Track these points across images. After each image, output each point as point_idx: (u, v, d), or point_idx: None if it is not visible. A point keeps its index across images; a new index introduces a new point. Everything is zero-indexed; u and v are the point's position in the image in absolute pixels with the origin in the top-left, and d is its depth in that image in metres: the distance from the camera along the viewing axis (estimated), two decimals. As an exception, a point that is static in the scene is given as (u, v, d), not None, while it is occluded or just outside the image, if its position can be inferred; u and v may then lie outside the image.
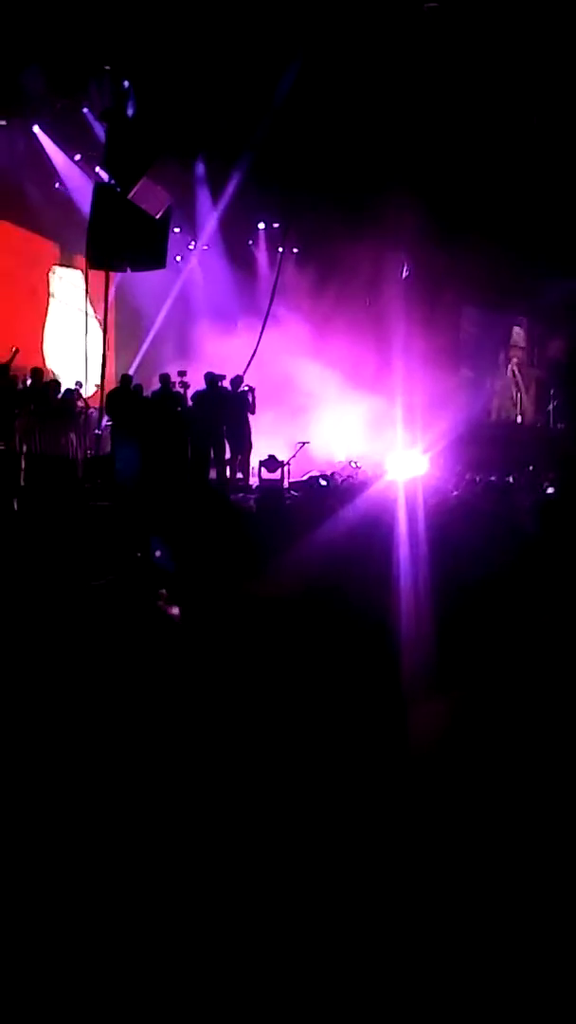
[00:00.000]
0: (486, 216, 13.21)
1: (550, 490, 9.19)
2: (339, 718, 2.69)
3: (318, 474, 9.05)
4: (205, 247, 14.49)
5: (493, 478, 11.45)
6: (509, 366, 18.36)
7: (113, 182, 9.89)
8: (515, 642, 3.72)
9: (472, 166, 12.69)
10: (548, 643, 3.74)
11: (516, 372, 18.39)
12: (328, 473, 9.07)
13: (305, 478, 9.62)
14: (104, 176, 10.32)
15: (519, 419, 18.33)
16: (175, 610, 3.77)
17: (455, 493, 9.38)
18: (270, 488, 9.09)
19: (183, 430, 9.83)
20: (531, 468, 11.77)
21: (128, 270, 11.22)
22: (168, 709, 2.69)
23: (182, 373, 10.65)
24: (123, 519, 5.88)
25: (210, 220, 13.94)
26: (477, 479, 11.12)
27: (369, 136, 11.86)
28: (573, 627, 3.94)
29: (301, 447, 11.77)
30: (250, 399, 11.02)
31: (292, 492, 8.05)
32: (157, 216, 10.17)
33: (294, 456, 11.46)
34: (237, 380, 11.09)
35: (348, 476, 10.20)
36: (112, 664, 3.04)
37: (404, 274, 14.26)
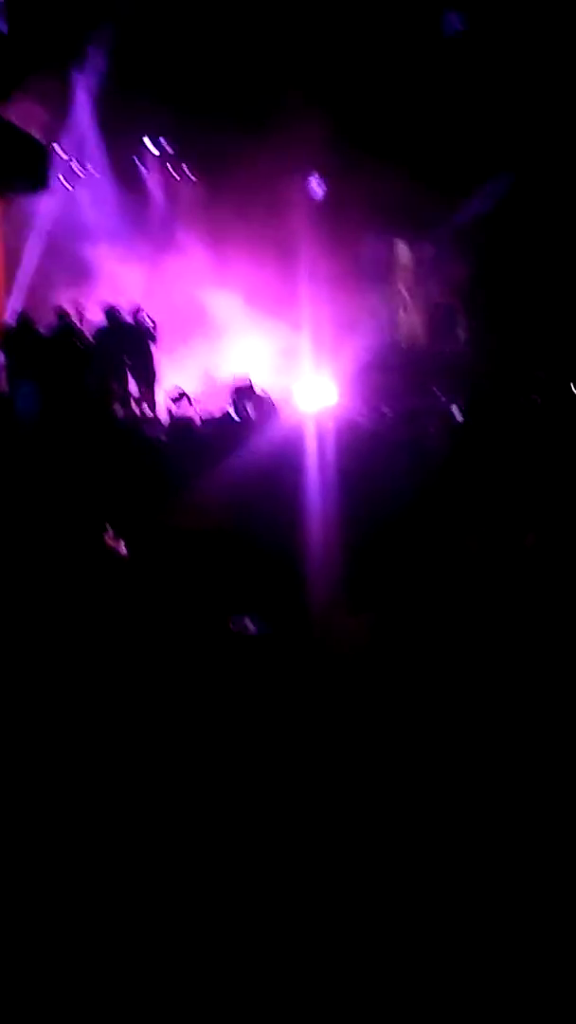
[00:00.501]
0: (389, 138, 12.96)
1: (458, 416, 9.31)
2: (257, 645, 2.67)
3: (231, 408, 8.91)
4: (91, 169, 13.72)
5: (402, 406, 11.51)
6: (398, 287, 18.11)
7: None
8: (425, 566, 3.76)
9: (376, 85, 12.37)
10: (458, 567, 3.80)
11: (405, 295, 18.17)
12: (239, 406, 8.93)
13: (218, 413, 9.46)
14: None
15: (424, 346, 18.36)
16: (122, 546, 3.70)
17: (363, 422, 9.39)
18: (181, 423, 8.91)
19: (84, 365, 9.50)
20: (438, 394, 11.88)
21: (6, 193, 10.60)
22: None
23: (78, 306, 10.20)
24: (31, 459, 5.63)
25: (94, 139, 13.18)
26: (385, 408, 11.15)
27: (266, 49, 11.36)
28: (483, 547, 4.02)
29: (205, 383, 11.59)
30: (151, 329, 10.71)
31: (204, 426, 7.90)
32: (36, 135, 9.60)
33: (201, 391, 11.25)
34: (138, 311, 10.73)
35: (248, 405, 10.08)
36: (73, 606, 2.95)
37: (317, 192, 13.77)
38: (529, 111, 12.98)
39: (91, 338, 10.00)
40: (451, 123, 13.01)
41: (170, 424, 8.07)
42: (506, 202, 14.81)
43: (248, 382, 9.34)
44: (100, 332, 10.02)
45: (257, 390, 9.54)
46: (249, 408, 7.62)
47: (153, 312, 10.93)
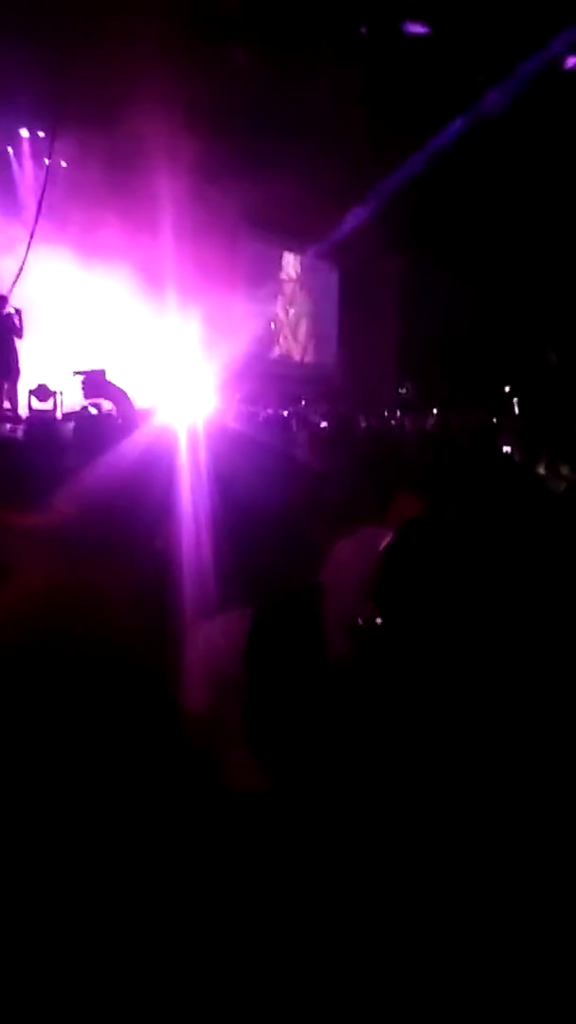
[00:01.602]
0: (265, 137, 12.98)
1: (323, 424, 9.46)
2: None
3: (90, 403, 8.61)
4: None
5: (270, 411, 11.57)
6: (278, 297, 18.27)
7: None
8: (292, 562, 3.71)
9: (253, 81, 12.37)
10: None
11: (281, 312, 18.32)
12: (99, 404, 8.64)
13: (78, 408, 9.13)
14: None
15: (295, 355, 18.56)
16: None
17: (233, 426, 9.35)
18: (40, 418, 8.54)
19: None
20: (303, 402, 12.04)
21: None
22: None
23: None
24: None
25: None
26: (257, 413, 11.17)
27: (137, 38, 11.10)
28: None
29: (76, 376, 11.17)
30: (16, 322, 10.26)
31: (65, 422, 7.59)
32: None
33: (67, 386, 10.85)
34: (1, 300, 10.26)
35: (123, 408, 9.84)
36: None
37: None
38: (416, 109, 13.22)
39: None
40: (342, 124, 13.10)
41: (26, 419, 7.71)
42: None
43: (101, 373, 9.05)
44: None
45: (113, 383, 9.26)
46: (103, 402, 7.38)
47: (22, 303, 10.48)
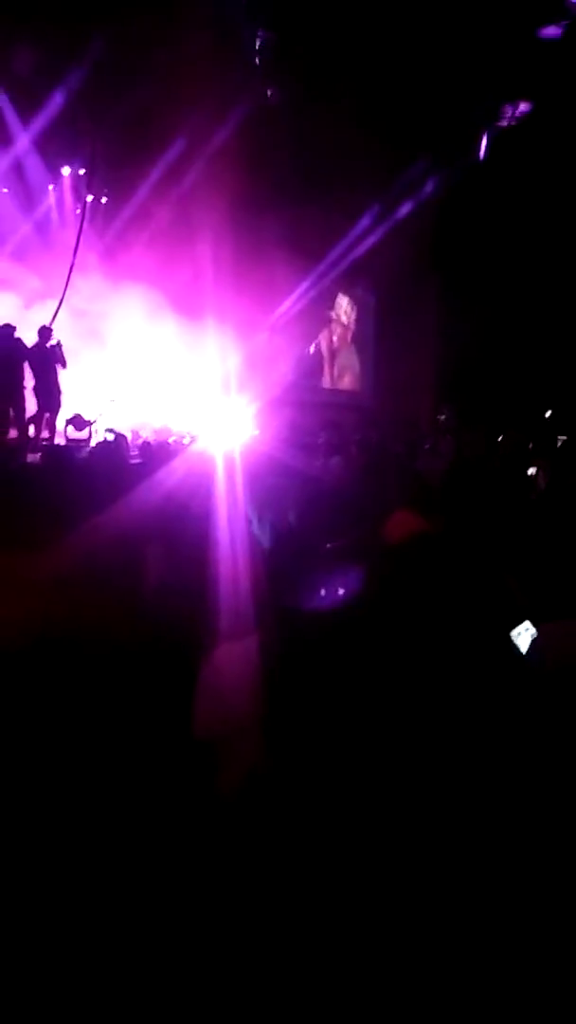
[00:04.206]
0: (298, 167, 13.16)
1: (355, 450, 9.47)
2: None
3: (112, 429, 8.78)
4: (4, 190, 13.44)
5: (308, 439, 11.62)
6: (320, 336, 18.37)
7: None
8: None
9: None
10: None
11: (326, 343, 18.40)
12: (122, 431, 8.80)
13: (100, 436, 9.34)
14: None
15: (333, 382, 18.61)
16: None
17: (272, 453, 9.41)
18: (56, 446, 8.70)
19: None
20: (338, 430, 12.05)
21: None
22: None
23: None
24: None
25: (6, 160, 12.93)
26: (296, 440, 11.23)
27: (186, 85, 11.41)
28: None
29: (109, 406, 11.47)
30: (59, 353, 10.52)
31: (84, 450, 7.68)
32: None
33: (102, 414, 11.08)
34: (44, 331, 10.53)
35: (161, 439, 10.00)
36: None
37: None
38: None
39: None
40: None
41: (45, 449, 7.84)
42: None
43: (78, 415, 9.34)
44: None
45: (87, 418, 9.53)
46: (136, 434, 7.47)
47: (62, 334, 10.75)
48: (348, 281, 17.66)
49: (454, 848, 1.74)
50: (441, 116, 12.74)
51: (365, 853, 1.79)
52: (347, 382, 18.83)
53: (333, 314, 18.33)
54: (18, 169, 13.09)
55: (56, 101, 12.01)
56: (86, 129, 12.55)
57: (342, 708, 2.07)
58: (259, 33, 11.56)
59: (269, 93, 12.81)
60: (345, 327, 18.62)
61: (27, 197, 13.49)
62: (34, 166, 13.30)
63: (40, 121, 12.37)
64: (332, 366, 18.72)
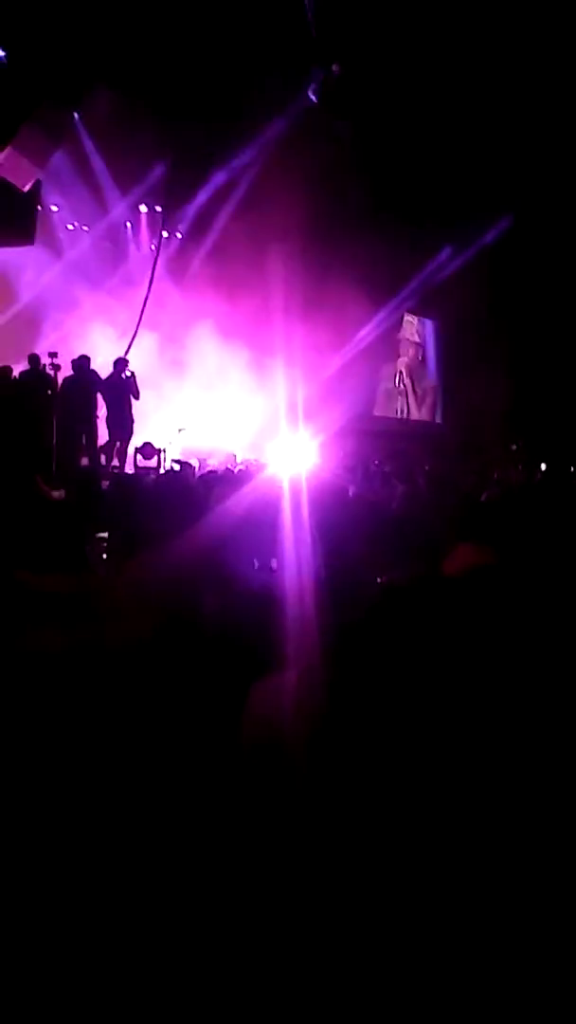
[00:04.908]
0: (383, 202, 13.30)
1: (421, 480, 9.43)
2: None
3: (178, 460, 8.91)
4: (85, 228, 13.95)
5: (374, 468, 11.62)
6: (397, 364, 18.35)
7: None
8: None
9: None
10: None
11: (403, 372, 18.36)
12: (189, 460, 8.92)
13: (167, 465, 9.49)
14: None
15: (404, 414, 18.56)
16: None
17: (342, 484, 9.43)
18: (124, 474, 8.87)
19: (49, 413, 9.52)
20: (405, 459, 12.02)
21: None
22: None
23: (53, 355, 10.20)
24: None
25: (86, 190, 13.43)
26: (363, 469, 11.25)
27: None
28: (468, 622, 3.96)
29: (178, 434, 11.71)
30: (132, 383, 10.78)
31: (148, 478, 7.81)
32: (25, 189, 9.78)
33: (171, 443, 11.31)
34: (120, 363, 10.83)
35: (227, 467, 10.14)
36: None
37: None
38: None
39: (60, 387, 9.99)
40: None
41: (113, 476, 8.00)
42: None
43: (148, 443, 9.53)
44: (68, 382, 10.03)
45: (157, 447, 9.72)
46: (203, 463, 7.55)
47: (136, 366, 11.04)
48: (418, 311, 17.70)
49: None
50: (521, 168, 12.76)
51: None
52: (415, 412, 18.78)
53: (401, 336, 18.30)
54: (103, 208, 13.60)
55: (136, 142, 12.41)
56: (165, 166, 12.94)
57: (398, 745, 2.06)
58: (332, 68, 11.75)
59: (344, 127, 13.01)
60: (415, 351, 18.57)
61: (110, 236, 14.00)
62: (115, 204, 13.80)
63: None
64: (402, 396, 18.72)
